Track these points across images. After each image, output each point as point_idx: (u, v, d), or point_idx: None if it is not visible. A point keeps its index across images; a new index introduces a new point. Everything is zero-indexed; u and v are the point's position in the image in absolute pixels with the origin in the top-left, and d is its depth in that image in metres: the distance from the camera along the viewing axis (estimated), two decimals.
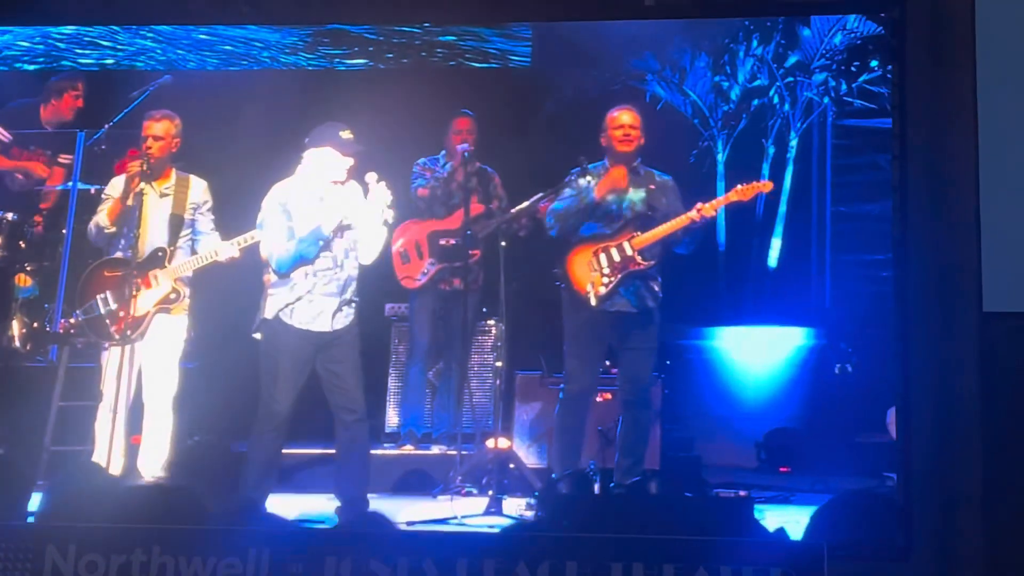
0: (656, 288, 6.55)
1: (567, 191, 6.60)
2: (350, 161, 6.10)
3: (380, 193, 6.09)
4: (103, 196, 6.77)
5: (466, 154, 7.15)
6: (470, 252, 7.06)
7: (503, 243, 6.67)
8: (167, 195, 6.58)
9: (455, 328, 7.41)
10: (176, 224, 6.56)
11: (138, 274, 6.42)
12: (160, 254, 6.50)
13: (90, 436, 6.54)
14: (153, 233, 6.50)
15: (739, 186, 6.59)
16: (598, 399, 6.96)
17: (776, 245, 9.00)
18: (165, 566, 4.15)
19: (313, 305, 6.03)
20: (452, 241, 7.33)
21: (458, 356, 7.43)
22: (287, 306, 6.03)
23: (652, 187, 6.59)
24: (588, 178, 6.55)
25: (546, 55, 8.61)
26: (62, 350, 7.09)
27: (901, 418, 5.41)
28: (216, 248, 6.57)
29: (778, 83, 8.92)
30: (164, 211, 6.55)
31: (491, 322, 7.64)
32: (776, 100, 8.93)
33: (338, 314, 6.08)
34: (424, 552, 4.10)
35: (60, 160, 7.99)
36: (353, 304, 6.18)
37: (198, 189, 6.69)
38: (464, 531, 5.93)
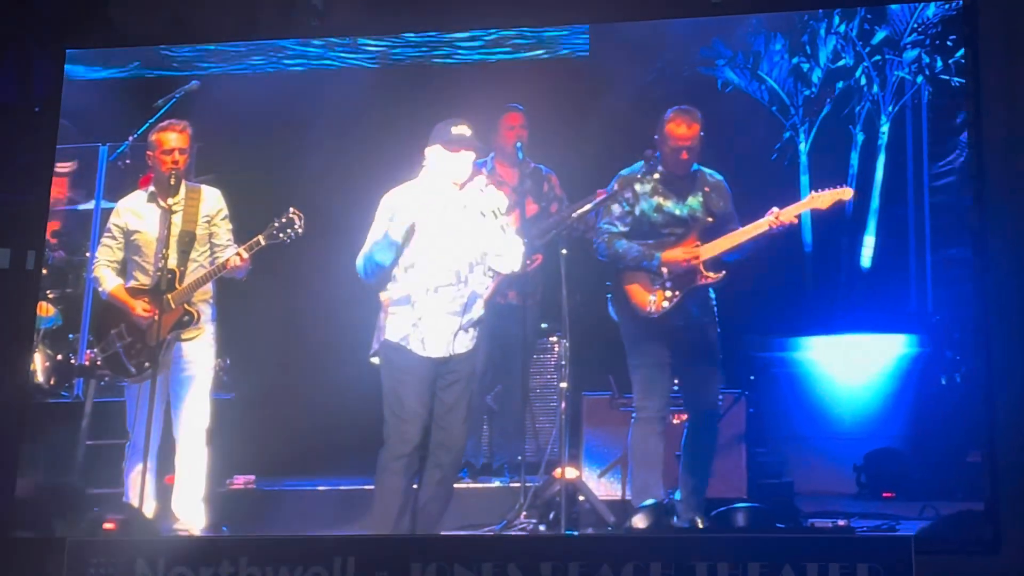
0: (712, 298, 6.99)
1: (616, 208, 6.99)
2: (468, 156, 6.42)
3: (490, 198, 6.46)
4: (107, 228, 7.08)
5: (520, 151, 7.50)
6: (527, 259, 7.18)
7: (564, 250, 6.90)
8: (176, 211, 6.88)
9: (513, 346, 7.71)
10: (186, 241, 6.88)
11: (150, 300, 6.87)
12: (169, 276, 6.79)
13: (120, 477, 6.96)
14: (161, 254, 6.81)
15: (814, 192, 6.94)
16: (674, 421, 7.27)
17: (869, 243, 9.30)
18: None
19: (436, 328, 6.33)
20: None
21: (518, 377, 7.74)
22: (412, 327, 6.34)
23: (707, 189, 6.96)
24: (639, 186, 6.98)
25: (606, 44, 9.04)
26: (88, 384, 7.49)
27: (987, 408, 5.95)
28: (221, 258, 6.88)
29: (865, 62, 9.17)
30: (173, 229, 6.85)
31: (553, 339, 8.01)
32: (863, 81, 9.21)
33: (461, 335, 6.39)
34: (509, 556, 4.82)
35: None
36: (478, 327, 6.46)
37: (211, 199, 7.02)
38: (546, 534, 6.49)
